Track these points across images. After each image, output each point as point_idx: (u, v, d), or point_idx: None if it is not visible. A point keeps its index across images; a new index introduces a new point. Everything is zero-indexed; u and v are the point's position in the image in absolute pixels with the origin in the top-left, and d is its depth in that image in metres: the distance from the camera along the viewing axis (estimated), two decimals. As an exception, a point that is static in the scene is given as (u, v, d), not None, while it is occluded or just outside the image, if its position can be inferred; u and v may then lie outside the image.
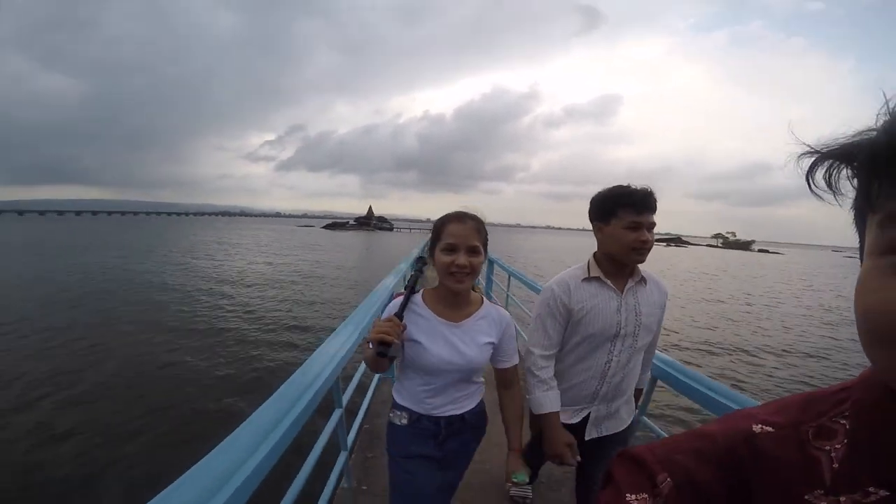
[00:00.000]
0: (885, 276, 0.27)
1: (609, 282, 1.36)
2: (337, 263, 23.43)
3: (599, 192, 1.36)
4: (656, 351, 1.65)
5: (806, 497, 0.33)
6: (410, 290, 1.21)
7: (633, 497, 0.37)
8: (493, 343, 1.26)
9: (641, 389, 1.65)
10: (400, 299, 1.21)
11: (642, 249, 1.30)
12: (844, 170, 0.31)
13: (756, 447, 0.36)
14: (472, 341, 1.22)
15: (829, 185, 0.32)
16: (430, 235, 1.28)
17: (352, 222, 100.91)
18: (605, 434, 1.45)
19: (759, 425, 0.37)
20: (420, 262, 1.36)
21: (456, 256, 1.15)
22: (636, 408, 1.62)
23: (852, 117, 0.31)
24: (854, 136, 0.29)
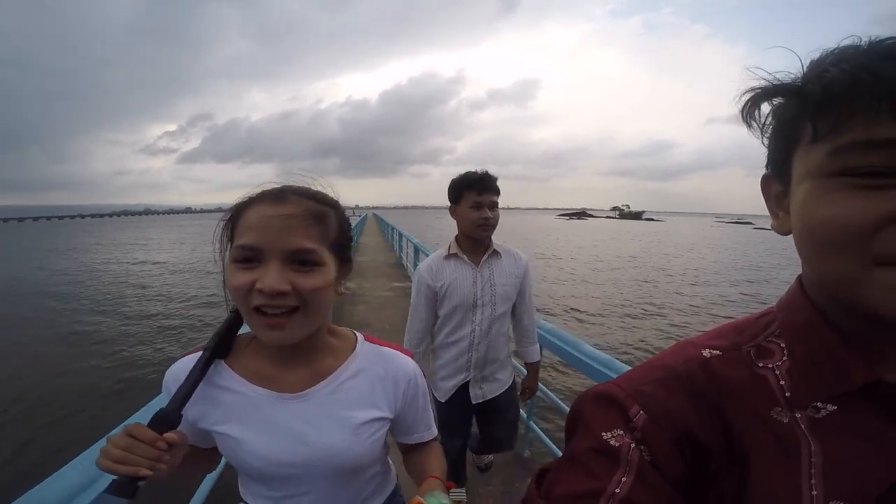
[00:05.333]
0: (839, 192, 0.30)
1: (466, 257, 1.55)
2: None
3: (452, 179, 1.55)
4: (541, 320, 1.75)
5: (771, 414, 0.36)
6: (212, 351, 0.64)
7: (609, 435, 0.36)
8: (383, 419, 0.70)
9: (537, 362, 1.77)
10: (185, 363, 0.65)
11: (486, 225, 1.49)
12: (781, 105, 0.35)
13: (713, 372, 0.38)
14: (334, 422, 0.66)
15: (756, 118, 0.37)
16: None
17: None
18: (489, 397, 1.65)
19: (707, 349, 0.40)
20: None
21: (258, 274, 0.56)
22: (533, 382, 1.79)
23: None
24: (798, 76, 0.34)
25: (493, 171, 1.54)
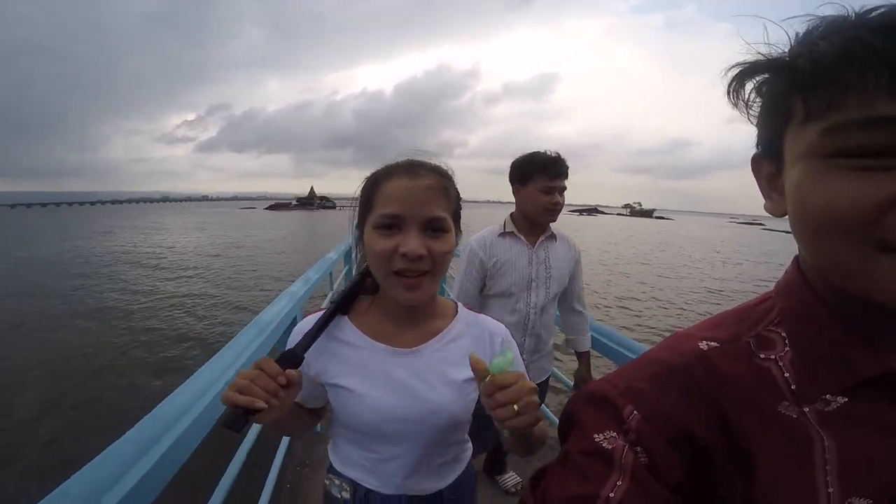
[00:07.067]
0: (836, 174, 0.29)
1: (522, 236, 1.53)
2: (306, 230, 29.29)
3: (518, 158, 1.51)
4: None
5: (778, 409, 0.34)
6: (337, 306, 0.73)
7: (602, 437, 0.35)
8: None
9: (587, 352, 1.70)
10: (311, 319, 0.72)
11: (554, 210, 1.46)
12: (769, 81, 0.33)
13: (711, 365, 0.36)
14: (440, 378, 0.72)
15: (748, 96, 0.35)
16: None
17: (294, 202, 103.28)
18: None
19: (704, 342, 0.38)
20: (365, 264, 0.72)
21: (401, 239, 0.63)
22: (587, 372, 1.71)
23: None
24: (787, 53, 0.32)
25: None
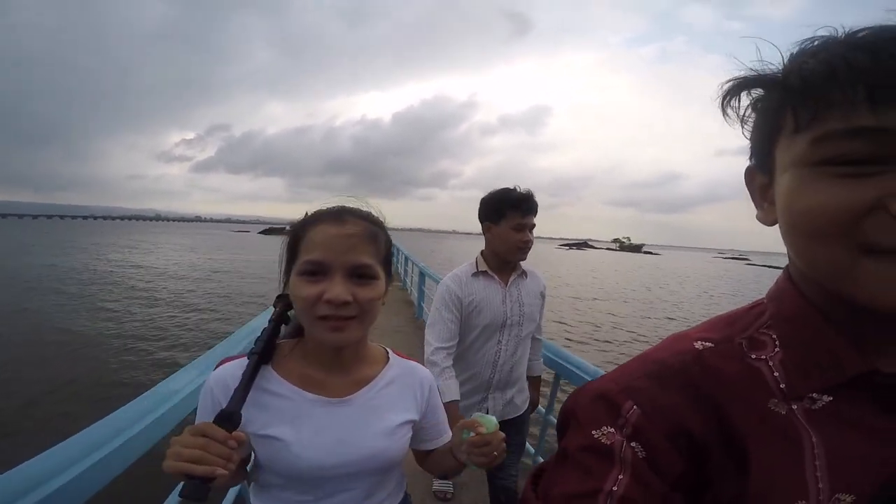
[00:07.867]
0: (822, 181, 0.30)
1: (495, 276, 1.52)
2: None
3: (489, 195, 1.52)
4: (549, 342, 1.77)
5: (768, 406, 0.35)
6: (259, 355, 0.69)
7: (599, 433, 0.36)
8: (412, 421, 0.78)
9: (539, 377, 1.76)
10: (231, 368, 0.70)
11: (525, 248, 1.48)
12: (762, 96, 0.35)
13: (706, 365, 0.37)
14: (375, 424, 0.73)
15: (742, 112, 0.37)
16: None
17: (288, 228, 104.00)
18: (504, 419, 1.56)
19: (699, 342, 0.39)
20: (282, 304, 0.74)
21: (325, 285, 0.64)
22: (538, 396, 1.78)
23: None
24: (780, 68, 0.34)
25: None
